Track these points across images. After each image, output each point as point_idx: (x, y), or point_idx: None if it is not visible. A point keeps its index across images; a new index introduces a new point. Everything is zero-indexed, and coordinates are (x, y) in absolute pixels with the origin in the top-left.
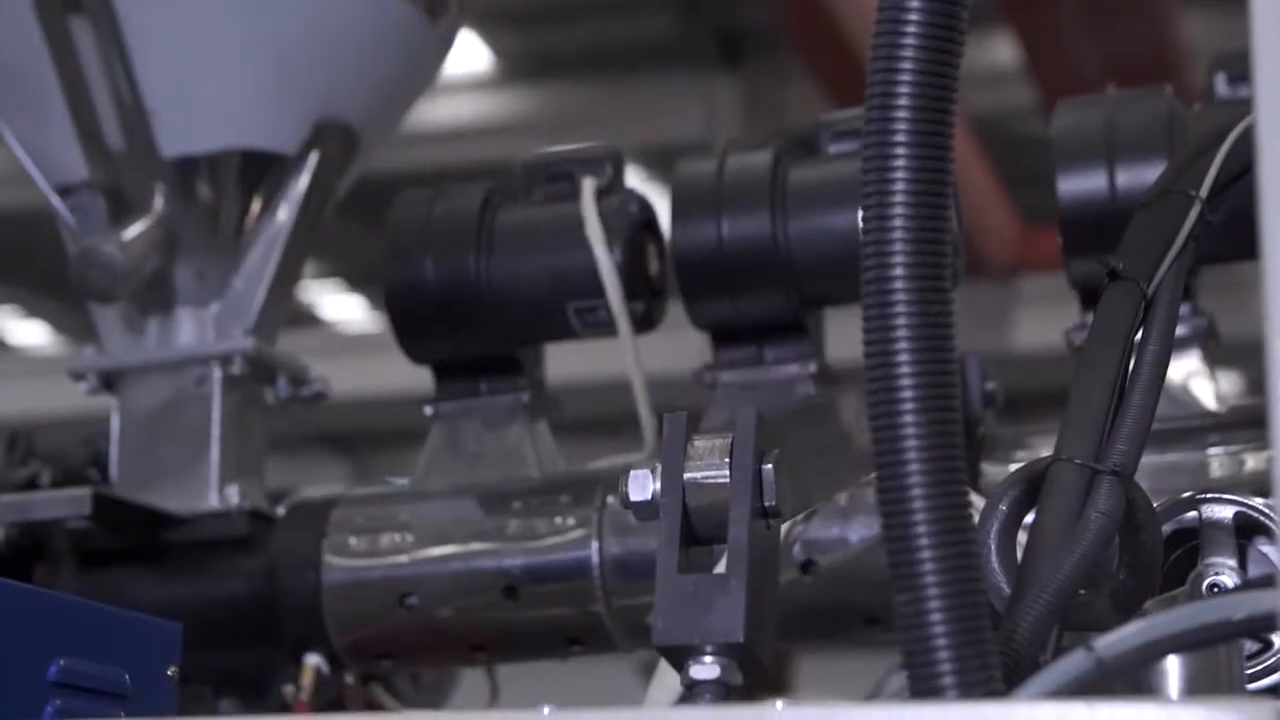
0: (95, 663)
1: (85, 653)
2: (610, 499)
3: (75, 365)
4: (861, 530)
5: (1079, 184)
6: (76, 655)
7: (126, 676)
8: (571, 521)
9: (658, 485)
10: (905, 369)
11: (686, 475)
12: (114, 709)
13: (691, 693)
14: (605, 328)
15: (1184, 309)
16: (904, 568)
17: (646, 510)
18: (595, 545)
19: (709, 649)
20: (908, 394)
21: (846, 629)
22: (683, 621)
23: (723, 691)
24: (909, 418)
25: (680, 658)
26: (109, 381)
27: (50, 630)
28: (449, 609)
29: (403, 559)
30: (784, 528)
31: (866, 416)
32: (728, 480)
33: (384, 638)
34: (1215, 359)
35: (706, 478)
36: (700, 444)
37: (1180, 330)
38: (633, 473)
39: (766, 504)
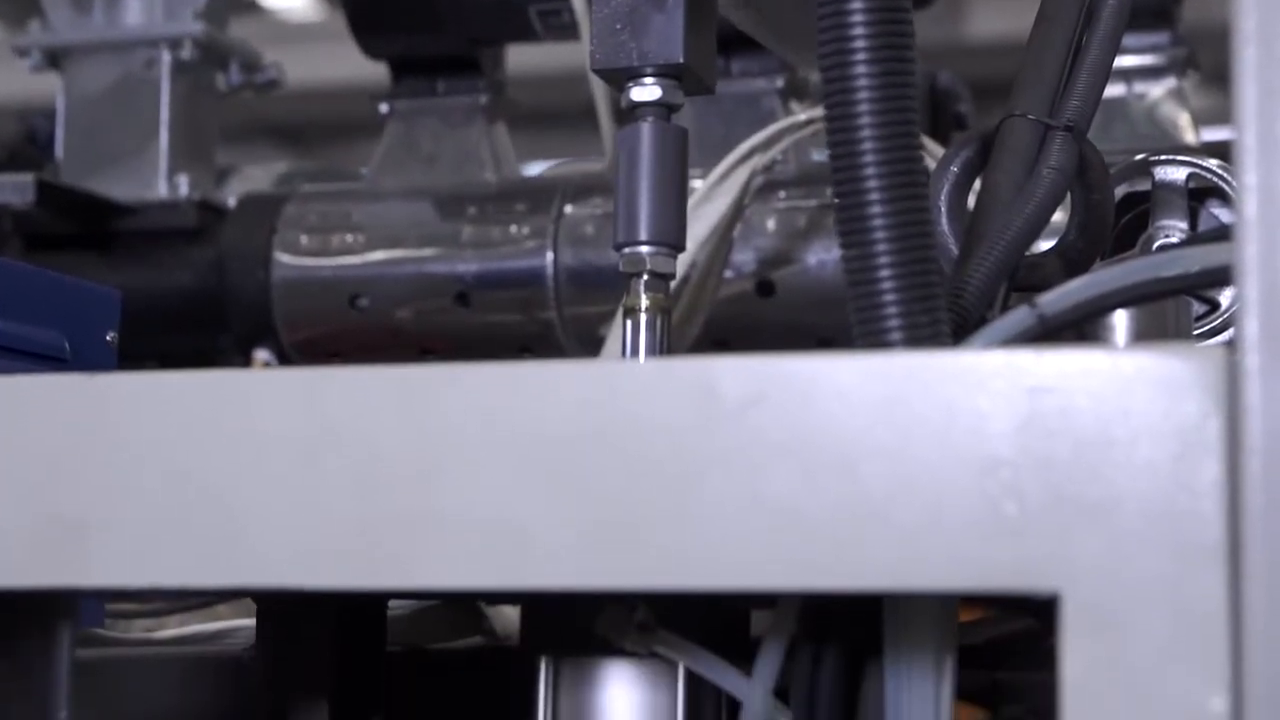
0: (32, 325)
1: (21, 315)
2: (568, 208)
3: (19, 41)
4: (820, 253)
5: None
6: (12, 318)
7: (65, 341)
8: (526, 230)
9: None
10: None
11: None
12: (52, 372)
13: (633, 115)
14: (568, 31)
15: (1162, 37)
16: (853, 223)
17: None
18: (550, 254)
19: (649, 70)
20: (859, 44)
21: (799, 348)
22: (620, 44)
23: (664, 113)
24: (860, 69)
25: (619, 81)
26: (54, 59)
27: None
28: (400, 312)
29: (354, 260)
30: (739, 248)
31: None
32: None
33: (334, 337)
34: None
35: None
36: None
37: (1157, 59)
38: None
39: None
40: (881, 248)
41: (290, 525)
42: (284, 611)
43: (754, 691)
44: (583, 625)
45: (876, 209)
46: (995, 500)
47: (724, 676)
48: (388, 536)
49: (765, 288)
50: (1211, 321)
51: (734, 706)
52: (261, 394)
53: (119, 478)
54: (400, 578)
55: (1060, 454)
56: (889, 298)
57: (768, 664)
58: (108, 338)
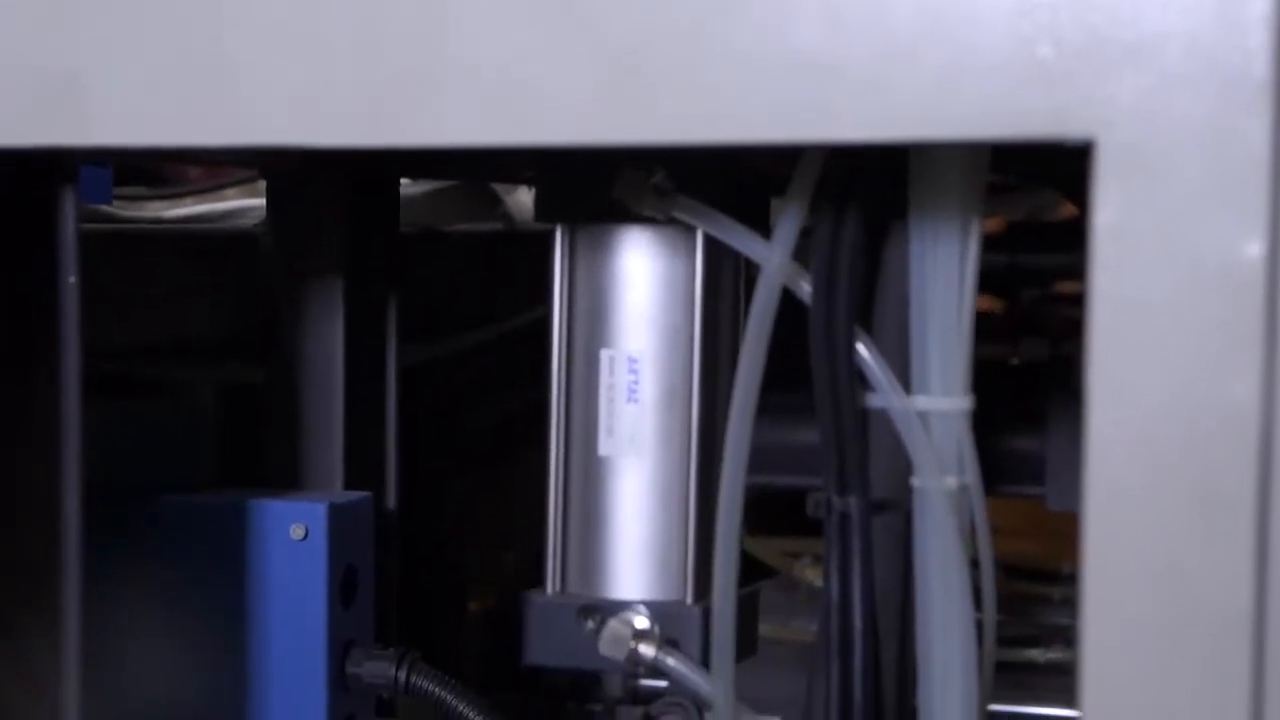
0: None
1: None
2: None
3: None
4: None
5: None
6: None
7: None
8: None
9: None
10: None
11: None
12: None
13: None
14: None
15: None
16: None
17: None
18: None
19: None
20: None
21: None
22: None
23: None
24: None
25: None
26: None
27: None
28: None
29: None
30: None
31: None
32: None
33: None
34: None
35: None
36: None
37: None
38: None
39: None
40: None
41: (292, 80)
42: (295, 188)
43: (773, 255)
44: (599, 191)
45: None
46: (1030, 42)
47: (743, 241)
48: (392, 91)
49: None
50: None
51: (753, 272)
52: None
53: (112, 30)
54: (406, 135)
55: None
56: None
57: (787, 226)
58: None
